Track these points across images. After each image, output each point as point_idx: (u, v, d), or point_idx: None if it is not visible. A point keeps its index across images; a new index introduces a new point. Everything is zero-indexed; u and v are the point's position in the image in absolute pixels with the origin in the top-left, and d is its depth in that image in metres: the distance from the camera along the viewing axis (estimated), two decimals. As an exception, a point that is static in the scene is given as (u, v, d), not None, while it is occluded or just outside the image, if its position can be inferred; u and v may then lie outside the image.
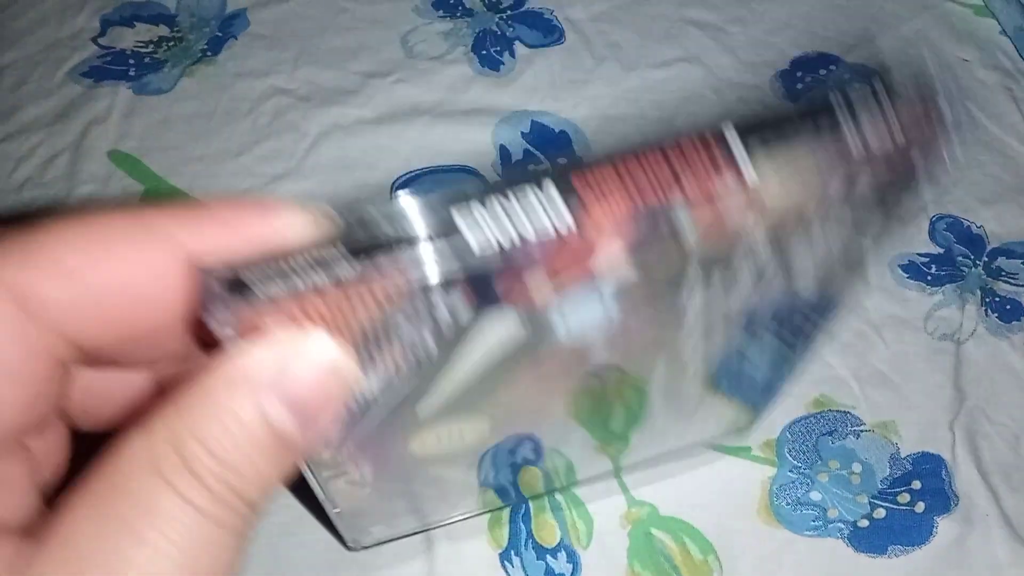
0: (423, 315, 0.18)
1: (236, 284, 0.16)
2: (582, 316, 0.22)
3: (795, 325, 0.27)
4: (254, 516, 0.17)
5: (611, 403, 0.29)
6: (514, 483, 0.31)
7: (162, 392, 0.20)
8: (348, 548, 0.34)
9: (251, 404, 0.16)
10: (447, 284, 0.17)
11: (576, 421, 0.29)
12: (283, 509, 0.35)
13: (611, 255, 0.18)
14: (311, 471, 0.24)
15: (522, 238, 0.17)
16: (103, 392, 0.21)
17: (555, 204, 0.17)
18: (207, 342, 0.17)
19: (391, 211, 0.16)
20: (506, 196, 0.17)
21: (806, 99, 0.18)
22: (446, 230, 0.16)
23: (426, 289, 0.17)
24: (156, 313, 0.17)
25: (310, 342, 0.17)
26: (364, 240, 0.16)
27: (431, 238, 0.16)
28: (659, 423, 0.32)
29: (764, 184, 0.18)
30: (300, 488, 0.28)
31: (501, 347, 0.21)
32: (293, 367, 0.17)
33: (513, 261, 0.17)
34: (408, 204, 0.16)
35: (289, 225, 0.17)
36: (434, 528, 0.35)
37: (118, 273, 0.17)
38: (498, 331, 0.20)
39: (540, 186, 0.17)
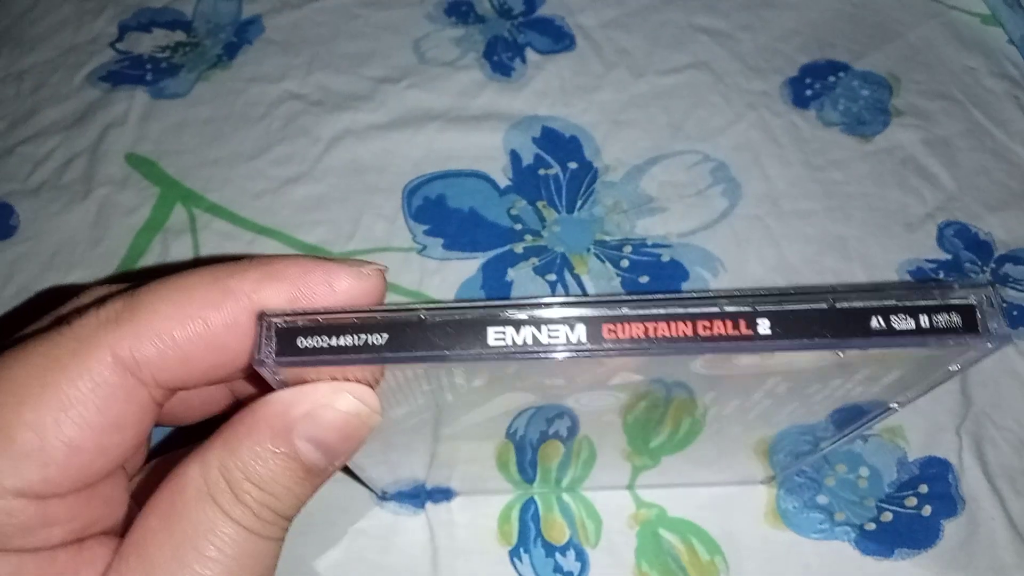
0: (443, 381, 0.21)
1: (286, 335, 0.19)
2: (596, 400, 0.24)
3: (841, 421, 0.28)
4: (290, 523, 0.21)
5: (663, 421, 0.29)
6: (535, 450, 0.32)
7: (232, 398, 0.26)
8: (378, 496, 0.37)
9: (285, 443, 0.20)
10: (469, 375, 0.20)
11: (621, 420, 0.29)
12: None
13: (621, 376, 0.21)
14: None
15: (542, 363, 0.19)
16: (184, 400, 0.25)
17: (580, 346, 0.19)
18: (257, 379, 0.20)
19: (439, 319, 0.19)
20: (539, 329, 0.19)
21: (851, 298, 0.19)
22: (479, 347, 0.19)
23: (448, 372, 0.20)
24: (231, 357, 0.20)
25: (338, 394, 0.20)
26: (409, 337, 0.19)
27: (463, 352, 0.19)
28: (693, 458, 0.33)
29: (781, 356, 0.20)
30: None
31: (513, 404, 0.24)
32: (322, 414, 0.20)
33: (530, 372, 0.20)
34: (453, 315, 0.19)
35: (348, 288, 0.20)
36: (451, 499, 0.37)
37: (200, 330, 0.20)
38: (511, 396, 0.23)
39: (572, 328, 0.19)
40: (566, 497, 0.37)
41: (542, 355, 0.19)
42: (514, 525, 0.36)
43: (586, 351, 0.19)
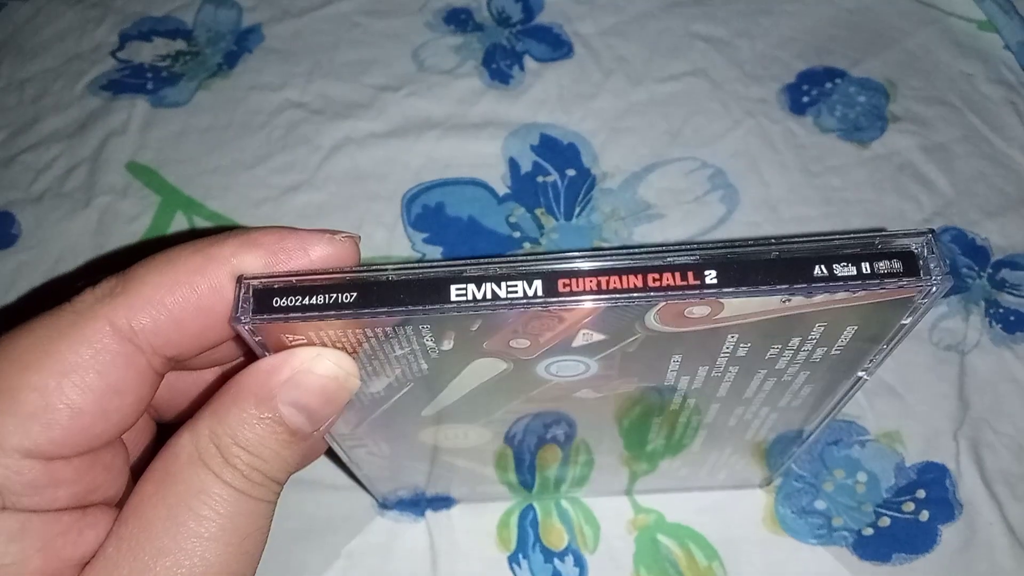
0: (414, 343, 0.22)
1: (262, 296, 0.20)
2: (566, 369, 0.24)
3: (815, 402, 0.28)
4: (281, 487, 0.23)
5: (660, 425, 0.29)
6: (533, 454, 0.32)
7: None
8: (381, 505, 0.37)
9: (269, 409, 0.21)
10: (436, 335, 0.21)
11: (617, 425, 0.30)
12: (323, 466, 0.37)
13: (584, 336, 0.22)
14: (335, 440, 0.28)
15: (502, 315, 0.20)
16: (183, 391, 0.26)
17: (536, 299, 0.20)
18: (247, 353, 0.22)
19: (404, 277, 0.20)
20: (499, 285, 0.20)
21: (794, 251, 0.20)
22: (441, 303, 0.20)
23: (416, 331, 0.21)
24: (219, 320, 0.21)
25: (316, 358, 0.21)
26: (376, 294, 0.20)
27: (427, 308, 0.20)
28: (691, 461, 0.33)
29: (730, 306, 0.21)
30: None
31: (486, 373, 0.24)
32: (302, 379, 0.21)
33: (492, 327, 0.21)
34: (417, 274, 0.20)
35: (323, 254, 0.22)
36: (451, 506, 0.37)
37: (188, 294, 0.21)
38: (482, 363, 0.23)
39: (530, 284, 0.20)
40: (564, 503, 0.37)
41: (501, 307, 0.20)
42: (513, 531, 0.36)
43: (541, 303, 0.20)
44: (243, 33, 0.52)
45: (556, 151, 0.46)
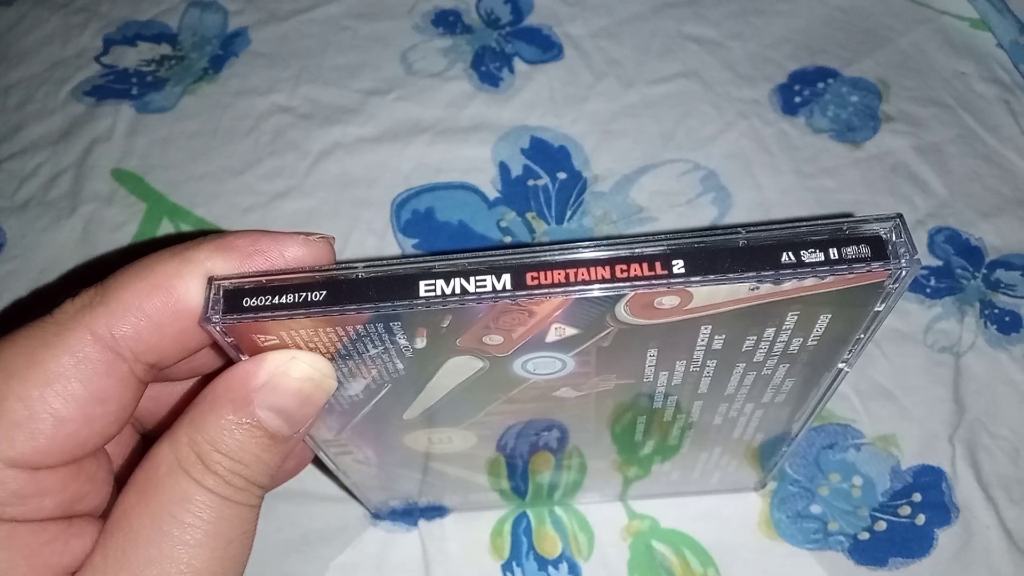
0: (387, 342, 0.22)
1: (233, 296, 0.20)
2: (543, 366, 0.24)
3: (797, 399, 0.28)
4: (264, 491, 0.23)
5: (648, 426, 0.29)
6: (526, 461, 0.32)
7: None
8: (373, 516, 0.37)
9: (247, 414, 0.21)
10: (409, 333, 0.21)
11: (609, 432, 0.29)
12: (315, 478, 0.37)
13: (556, 331, 0.22)
14: (320, 448, 0.28)
15: (471, 309, 0.20)
16: (167, 403, 0.27)
17: (505, 292, 0.20)
18: (225, 359, 0.23)
19: (374, 274, 0.20)
20: (467, 279, 0.20)
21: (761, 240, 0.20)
22: (409, 298, 0.20)
23: (388, 329, 0.21)
24: (196, 323, 0.22)
25: (291, 361, 0.22)
26: (345, 292, 0.20)
27: (395, 303, 0.20)
28: (682, 464, 0.33)
29: (699, 296, 0.20)
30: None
31: (463, 373, 0.24)
32: (278, 382, 0.22)
33: (462, 323, 0.21)
34: (387, 270, 0.20)
35: (297, 255, 0.22)
36: (445, 515, 0.37)
37: (166, 297, 0.21)
38: (457, 362, 0.23)
39: (498, 278, 0.20)
40: (558, 510, 0.36)
41: (468, 301, 0.20)
42: (506, 539, 0.36)
43: (509, 295, 0.20)
44: (229, 37, 0.51)
45: (547, 154, 0.46)
